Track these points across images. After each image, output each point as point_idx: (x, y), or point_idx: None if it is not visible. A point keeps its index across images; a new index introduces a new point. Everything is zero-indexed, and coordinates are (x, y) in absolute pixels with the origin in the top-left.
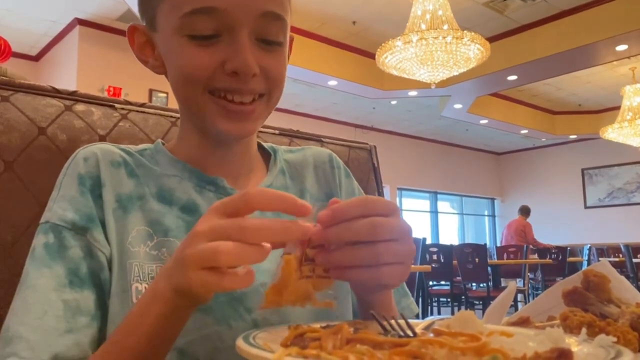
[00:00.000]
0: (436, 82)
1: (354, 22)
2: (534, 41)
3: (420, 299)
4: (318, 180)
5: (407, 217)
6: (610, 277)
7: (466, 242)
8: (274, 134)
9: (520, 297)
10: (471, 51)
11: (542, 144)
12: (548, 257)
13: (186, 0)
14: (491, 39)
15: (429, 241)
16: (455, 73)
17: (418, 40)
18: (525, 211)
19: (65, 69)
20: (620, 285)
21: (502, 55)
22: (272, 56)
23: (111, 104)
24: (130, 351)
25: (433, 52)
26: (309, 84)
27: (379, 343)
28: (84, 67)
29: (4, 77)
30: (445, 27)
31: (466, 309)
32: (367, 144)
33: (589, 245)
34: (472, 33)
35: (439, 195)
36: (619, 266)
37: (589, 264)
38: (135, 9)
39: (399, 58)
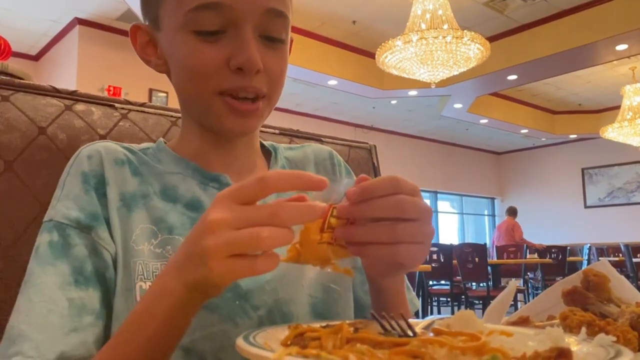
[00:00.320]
0: (436, 81)
1: (354, 22)
2: (534, 41)
3: (420, 299)
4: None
5: None
6: (610, 277)
7: (466, 241)
8: (274, 133)
9: (520, 296)
10: (471, 51)
11: (542, 144)
12: (548, 256)
13: None
14: (491, 39)
15: None
16: (455, 73)
17: (418, 40)
18: (512, 212)
19: (65, 68)
20: (620, 284)
21: (502, 54)
22: (274, 53)
23: (111, 103)
24: (137, 350)
25: (433, 51)
26: (309, 84)
27: (379, 342)
28: (84, 67)
29: (4, 77)
30: (445, 26)
31: (466, 308)
32: (367, 143)
33: (588, 245)
34: (472, 33)
35: (439, 195)
36: (618, 266)
37: (588, 263)
38: (135, 8)
39: (399, 58)
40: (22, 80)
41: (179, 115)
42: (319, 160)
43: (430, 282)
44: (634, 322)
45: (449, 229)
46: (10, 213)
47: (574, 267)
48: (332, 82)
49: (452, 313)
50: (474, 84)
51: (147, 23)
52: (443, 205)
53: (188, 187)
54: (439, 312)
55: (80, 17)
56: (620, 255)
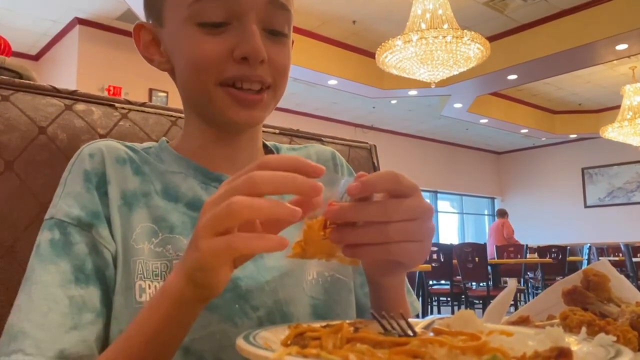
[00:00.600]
0: (436, 81)
1: (354, 22)
2: (534, 40)
3: (420, 298)
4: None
5: None
6: (610, 276)
7: (466, 241)
8: (274, 133)
9: (520, 296)
10: (471, 50)
11: (542, 143)
12: (548, 256)
13: None
14: (491, 39)
15: None
16: (455, 72)
17: (418, 40)
18: (501, 213)
19: (65, 68)
20: (620, 284)
21: (502, 54)
22: (278, 47)
23: (111, 103)
24: (139, 347)
25: (433, 51)
26: (309, 84)
27: (379, 342)
28: (84, 67)
29: (4, 77)
30: (446, 26)
31: (466, 308)
32: (367, 143)
33: (588, 245)
34: (472, 32)
35: (439, 195)
36: (618, 265)
37: (588, 263)
38: (135, 8)
39: (399, 57)
40: (22, 80)
41: (179, 115)
42: (322, 160)
43: (430, 282)
44: (634, 321)
45: (449, 228)
46: (10, 213)
47: (574, 267)
48: (332, 82)
49: (452, 313)
50: (474, 84)
51: (150, 22)
52: (443, 204)
53: (189, 187)
54: (439, 312)
55: (80, 16)
56: (620, 255)
